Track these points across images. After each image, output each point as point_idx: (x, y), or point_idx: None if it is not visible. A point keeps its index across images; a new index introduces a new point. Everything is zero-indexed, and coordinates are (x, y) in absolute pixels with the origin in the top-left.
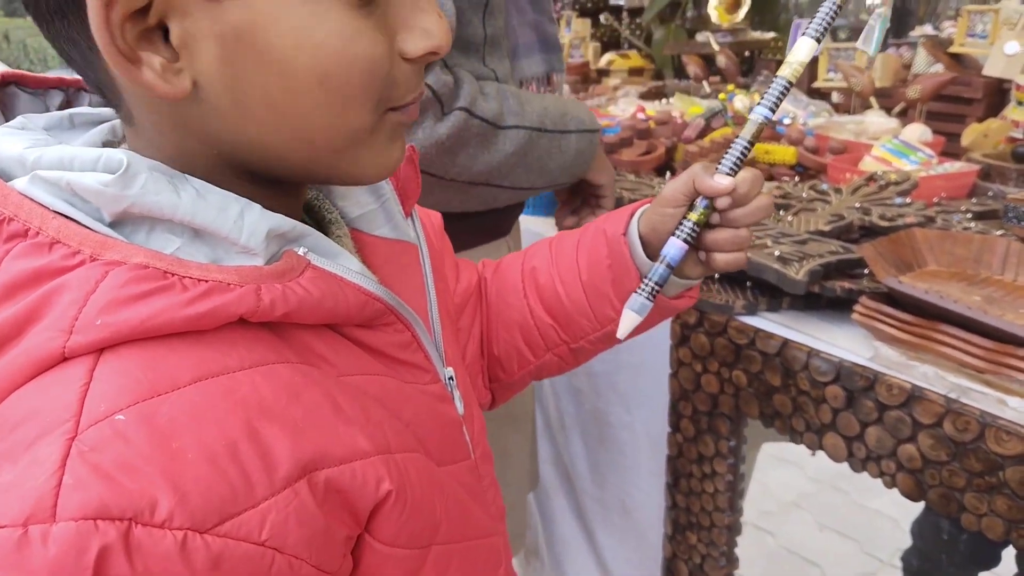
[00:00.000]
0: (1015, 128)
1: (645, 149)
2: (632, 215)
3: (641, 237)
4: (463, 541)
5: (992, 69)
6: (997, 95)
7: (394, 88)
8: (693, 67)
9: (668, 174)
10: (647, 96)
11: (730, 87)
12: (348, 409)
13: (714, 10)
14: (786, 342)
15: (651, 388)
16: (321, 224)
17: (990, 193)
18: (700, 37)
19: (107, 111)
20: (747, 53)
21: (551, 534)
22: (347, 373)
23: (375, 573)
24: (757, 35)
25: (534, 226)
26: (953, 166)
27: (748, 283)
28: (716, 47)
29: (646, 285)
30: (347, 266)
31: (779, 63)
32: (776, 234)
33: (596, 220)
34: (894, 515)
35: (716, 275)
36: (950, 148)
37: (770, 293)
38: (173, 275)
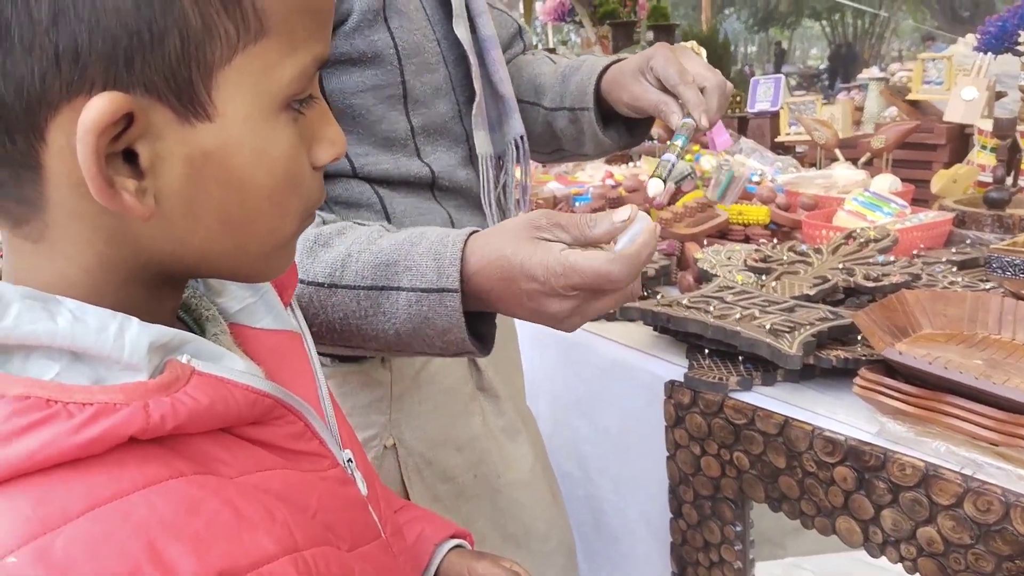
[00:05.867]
0: (982, 172)
1: None
2: None
3: None
4: None
5: (953, 115)
6: (960, 140)
7: (312, 196)
8: (657, 128)
9: None
10: (613, 160)
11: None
12: (250, 513)
13: None
14: (787, 420)
15: (644, 471)
16: (198, 321)
17: (968, 241)
18: None
19: None
20: None
21: None
22: (246, 472)
23: None
24: None
25: None
26: (928, 215)
27: (740, 357)
28: None
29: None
30: (232, 367)
31: (741, 119)
32: (762, 302)
33: None
34: None
35: (707, 350)
36: (919, 195)
37: (764, 366)
38: (56, 402)
